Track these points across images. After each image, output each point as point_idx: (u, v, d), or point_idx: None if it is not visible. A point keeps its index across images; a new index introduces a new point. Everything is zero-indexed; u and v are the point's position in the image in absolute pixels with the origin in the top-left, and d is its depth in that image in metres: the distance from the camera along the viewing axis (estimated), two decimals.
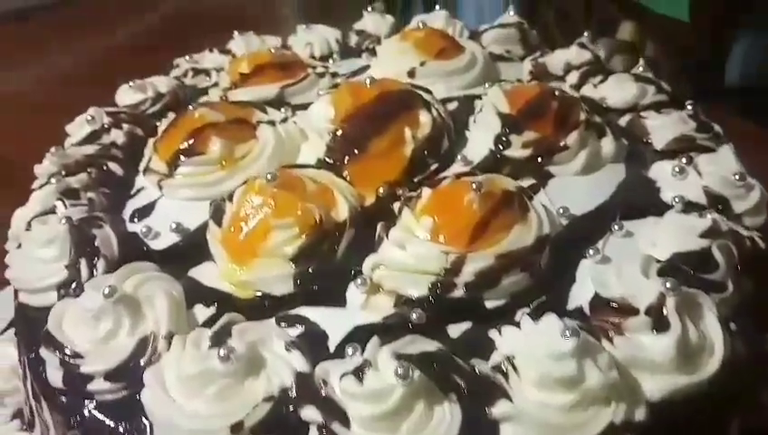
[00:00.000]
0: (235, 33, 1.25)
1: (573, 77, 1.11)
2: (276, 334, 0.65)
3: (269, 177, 0.75)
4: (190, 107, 0.92)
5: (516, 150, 0.87)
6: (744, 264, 0.72)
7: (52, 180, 0.87)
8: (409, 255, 0.71)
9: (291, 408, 0.60)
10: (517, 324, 0.66)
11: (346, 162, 0.85)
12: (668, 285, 0.65)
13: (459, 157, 0.88)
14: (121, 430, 0.63)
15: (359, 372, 0.60)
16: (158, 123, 1.04)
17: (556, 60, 1.12)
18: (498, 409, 0.59)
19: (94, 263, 0.75)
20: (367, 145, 0.85)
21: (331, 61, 1.20)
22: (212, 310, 0.72)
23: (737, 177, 0.82)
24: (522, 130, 0.87)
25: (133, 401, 0.63)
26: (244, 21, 1.53)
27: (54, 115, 1.02)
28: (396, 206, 0.79)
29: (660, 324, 0.63)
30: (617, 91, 1.03)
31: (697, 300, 0.67)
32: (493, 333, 0.66)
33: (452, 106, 1.00)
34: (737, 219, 0.80)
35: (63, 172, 0.91)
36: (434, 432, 0.57)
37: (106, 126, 1.01)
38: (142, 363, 0.65)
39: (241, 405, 0.60)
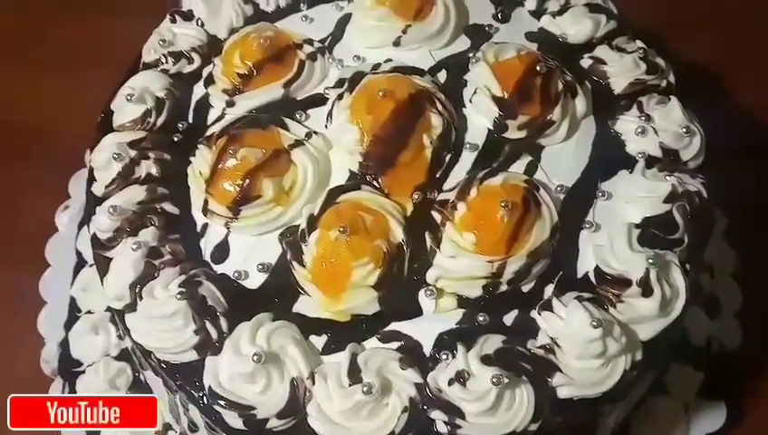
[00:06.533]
0: None
1: (531, 3, 1.24)
2: (389, 357, 0.90)
3: (341, 229, 0.92)
4: (226, 139, 1.01)
5: (513, 133, 1.06)
6: (693, 216, 1.00)
7: (132, 245, 0.99)
8: (461, 265, 0.94)
9: (421, 410, 0.88)
10: (550, 304, 0.93)
11: (379, 176, 1.01)
12: (650, 260, 0.93)
13: (467, 144, 1.05)
14: None
15: (460, 379, 0.87)
16: (174, 138, 1.11)
17: None
18: (556, 379, 0.89)
19: (218, 322, 0.93)
20: (395, 160, 1.01)
21: (302, 5, 1.23)
22: (324, 338, 0.94)
23: (684, 129, 1.06)
24: (516, 115, 1.05)
25: (304, 425, 0.89)
26: None
27: None
28: (434, 214, 0.99)
29: (647, 291, 0.92)
30: (575, 26, 1.19)
31: (667, 259, 0.96)
32: (534, 314, 0.94)
33: (442, 77, 1.13)
34: (684, 166, 1.06)
35: (128, 228, 1.02)
36: (519, 409, 0.87)
37: (133, 158, 1.08)
38: (299, 398, 0.89)
39: (388, 418, 0.87)
